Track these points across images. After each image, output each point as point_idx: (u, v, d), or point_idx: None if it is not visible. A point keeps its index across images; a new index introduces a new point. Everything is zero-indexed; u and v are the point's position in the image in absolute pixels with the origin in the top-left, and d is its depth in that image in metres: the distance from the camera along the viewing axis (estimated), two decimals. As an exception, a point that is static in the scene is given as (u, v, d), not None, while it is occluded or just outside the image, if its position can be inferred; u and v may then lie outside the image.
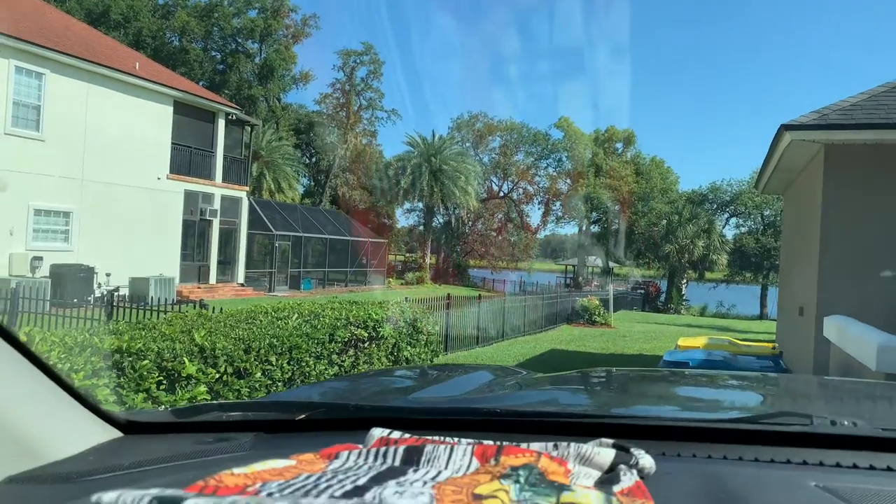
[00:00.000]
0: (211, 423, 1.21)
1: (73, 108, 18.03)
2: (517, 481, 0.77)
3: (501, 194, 49.80)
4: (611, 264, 46.39)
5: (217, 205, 23.12)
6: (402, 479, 0.78)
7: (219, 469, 0.83)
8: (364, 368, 7.00)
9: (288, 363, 5.75)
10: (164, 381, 4.51)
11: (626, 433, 1.08)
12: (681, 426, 1.11)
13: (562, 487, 0.77)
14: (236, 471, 0.78)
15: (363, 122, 47.77)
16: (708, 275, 46.15)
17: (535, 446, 0.92)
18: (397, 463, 0.86)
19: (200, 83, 37.72)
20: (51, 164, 17.44)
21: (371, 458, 0.88)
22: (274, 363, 5.55)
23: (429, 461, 0.86)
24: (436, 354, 9.25)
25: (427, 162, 39.30)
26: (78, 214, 18.31)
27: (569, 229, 52.02)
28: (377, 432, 0.97)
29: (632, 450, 0.92)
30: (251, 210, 25.41)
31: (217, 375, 4.94)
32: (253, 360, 5.32)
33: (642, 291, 41.55)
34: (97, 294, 14.98)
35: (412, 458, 0.87)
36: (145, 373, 4.39)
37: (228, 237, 24.10)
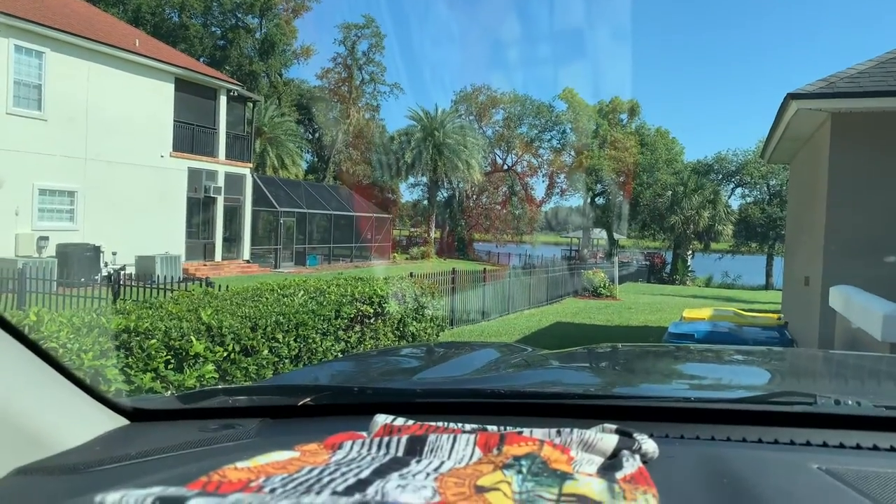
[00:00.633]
0: (217, 410, 1.22)
1: (74, 87, 17.95)
2: (520, 472, 0.77)
3: (505, 168, 49.58)
4: (616, 236, 46.32)
5: (221, 182, 23.11)
6: (404, 471, 0.78)
7: (224, 458, 0.84)
8: (370, 344, 7.04)
9: (295, 340, 5.78)
10: (172, 361, 4.55)
11: (629, 415, 1.08)
12: (683, 407, 1.11)
13: (564, 476, 0.77)
14: (239, 465, 0.78)
15: (365, 96, 47.47)
16: (713, 245, 46.06)
17: (538, 433, 0.92)
18: (400, 453, 0.87)
19: (201, 60, 37.45)
20: (54, 144, 17.43)
21: (374, 449, 0.89)
22: (281, 340, 5.59)
23: (432, 451, 0.87)
24: (441, 329, 9.30)
25: (430, 136, 39.08)
26: (82, 193, 18.33)
27: (573, 202, 51.82)
28: (380, 419, 0.98)
29: (634, 435, 0.93)
30: (255, 187, 25.38)
31: (225, 354, 4.97)
32: (260, 337, 5.35)
33: (647, 263, 41.54)
34: (104, 273, 15.06)
35: (415, 448, 0.88)
36: (153, 352, 4.42)
37: (233, 214, 24.12)
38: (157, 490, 0.65)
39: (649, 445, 0.91)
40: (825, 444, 0.98)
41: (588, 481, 0.76)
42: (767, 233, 42.42)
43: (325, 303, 6.40)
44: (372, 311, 7.14)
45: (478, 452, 0.86)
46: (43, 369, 1.05)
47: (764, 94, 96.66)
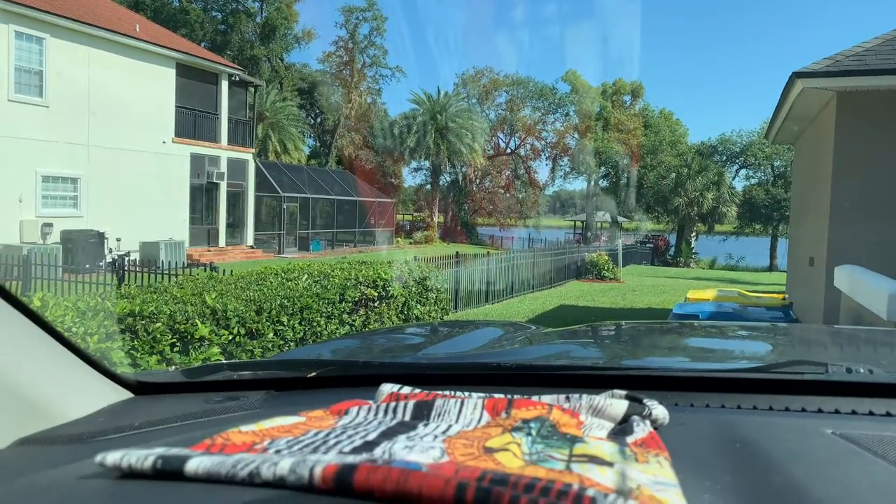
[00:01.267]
0: (221, 383, 1.21)
1: (76, 73, 17.88)
2: (529, 434, 0.76)
3: (508, 151, 49.38)
4: (619, 219, 46.20)
5: (224, 167, 23.08)
6: (412, 433, 0.78)
7: (229, 426, 0.83)
8: (375, 327, 7.06)
9: (299, 323, 5.80)
10: (178, 344, 4.57)
11: (638, 385, 1.08)
12: (693, 377, 1.10)
13: (574, 439, 0.77)
14: (244, 428, 0.78)
15: (367, 80, 47.21)
16: (717, 227, 45.93)
17: (547, 399, 0.91)
18: (407, 417, 0.86)
19: (202, 44, 37.27)
20: (56, 130, 17.41)
21: (381, 414, 0.88)
22: (285, 323, 5.60)
23: (439, 415, 0.86)
24: (446, 312, 9.31)
25: (433, 119, 38.92)
26: (86, 180, 18.33)
27: (577, 184, 51.71)
28: (387, 388, 0.97)
29: (644, 401, 0.92)
30: (258, 172, 25.34)
31: (230, 337, 4.99)
32: (265, 320, 5.37)
33: (651, 245, 41.46)
34: (108, 259, 15.09)
35: (422, 412, 0.87)
36: (158, 335, 4.44)
37: (236, 200, 24.11)
38: (159, 450, 0.65)
39: (660, 411, 0.90)
40: (837, 412, 0.97)
41: (598, 444, 0.75)
42: (772, 214, 42.27)
43: (329, 286, 6.41)
44: (376, 294, 7.15)
45: (486, 416, 0.86)
46: (47, 342, 1.05)
47: (768, 75, 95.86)
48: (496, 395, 0.93)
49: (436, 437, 0.76)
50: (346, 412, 0.89)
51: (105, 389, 1.12)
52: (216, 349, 4.76)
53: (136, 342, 4.35)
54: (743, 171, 46.84)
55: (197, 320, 4.77)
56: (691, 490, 0.65)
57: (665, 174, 44.05)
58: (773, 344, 1.76)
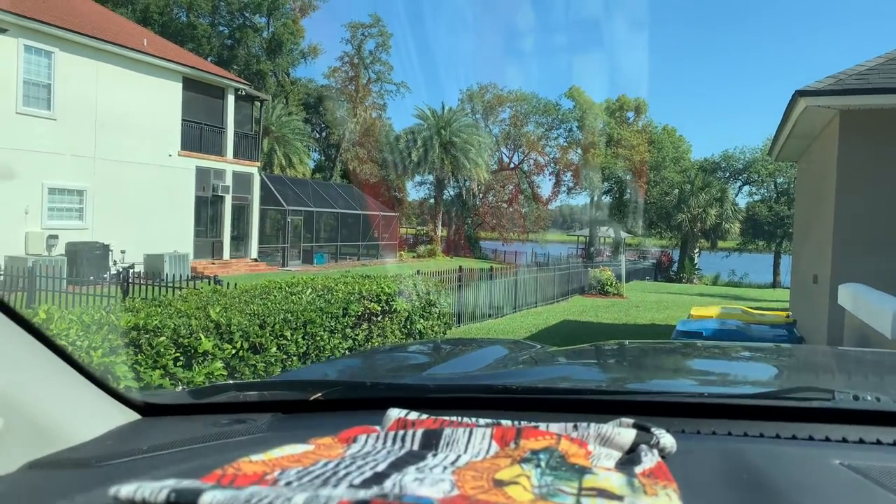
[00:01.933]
0: (228, 405, 1.22)
1: (83, 86, 18.04)
2: (538, 465, 0.76)
3: (512, 166, 49.51)
4: (623, 235, 46.19)
5: (229, 181, 23.18)
6: (421, 464, 0.78)
7: (237, 452, 0.84)
8: (378, 342, 7.06)
9: (303, 338, 5.80)
10: (181, 358, 4.58)
11: (645, 410, 1.08)
12: (700, 402, 1.10)
13: (583, 470, 0.77)
14: (254, 458, 0.78)
15: (372, 95, 47.47)
16: (720, 244, 45.87)
17: (555, 427, 0.92)
18: (416, 447, 0.86)
19: (209, 59, 37.56)
20: (63, 143, 17.53)
21: (389, 442, 0.88)
22: (289, 338, 5.61)
23: (448, 445, 0.86)
24: (448, 327, 9.30)
25: (437, 134, 39.08)
26: (91, 192, 18.43)
27: (580, 200, 51.73)
28: (394, 413, 0.97)
29: (652, 429, 0.92)
30: (263, 185, 25.45)
31: (233, 351, 5.00)
32: (268, 335, 5.38)
33: (654, 261, 41.41)
34: (113, 271, 15.13)
35: (431, 441, 0.87)
36: (162, 349, 4.45)
37: (241, 213, 24.19)
38: (171, 482, 0.65)
39: (667, 440, 0.90)
40: (844, 440, 0.97)
41: (607, 475, 0.76)
42: (775, 231, 42.23)
43: (332, 301, 6.42)
44: (379, 308, 7.15)
45: (494, 446, 0.86)
46: (51, 360, 1.04)
47: (772, 92, 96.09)
48: (504, 424, 0.93)
49: (445, 468, 0.76)
50: (355, 440, 0.90)
51: (112, 411, 1.12)
52: (219, 364, 4.76)
53: (139, 356, 4.36)
54: (746, 188, 46.91)
55: (201, 334, 4.78)
56: None
57: (668, 190, 44.09)
58: (778, 367, 1.75)
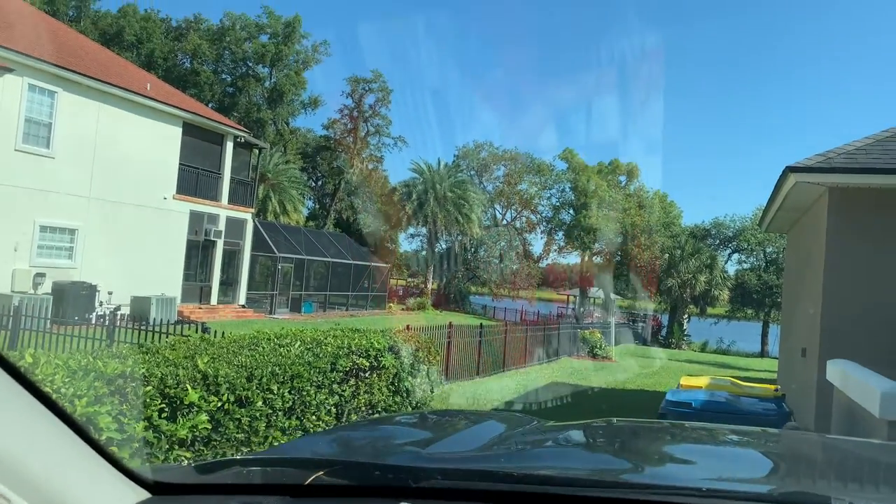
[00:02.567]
0: (234, 486, 1.21)
1: (84, 127, 18.21)
2: None
3: (504, 222, 49.96)
4: (612, 296, 46.30)
5: (222, 226, 23.21)
6: None
7: None
8: (365, 398, 6.97)
9: (289, 392, 5.72)
10: (166, 409, 4.49)
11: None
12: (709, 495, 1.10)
13: None
14: None
15: (370, 147, 48.13)
16: (709, 310, 46.01)
17: None
18: None
19: (210, 105, 38.12)
20: (59, 181, 17.57)
21: None
22: (275, 392, 5.53)
23: None
24: (436, 385, 9.21)
25: (432, 188, 39.52)
26: (84, 231, 18.37)
27: (571, 259, 52.01)
28: None
29: None
30: (255, 231, 25.48)
31: (219, 404, 4.91)
32: (255, 388, 5.30)
33: (643, 325, 41.43)
34: (98, 312, 14.96)
35: None
36: (148, 399, 4.37)
37: (231, 258, 24.14)
38: None
39: None
40: None
41: None
42: (763, 299, 42.47)
43: (321, 354, 6.36)
44: (368, 364, 7.09)
45: None
46: (58, 428, 1.00)
47: (763, 161, 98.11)
48: None
49: None
50: None
51: (123, 489, 1.09)
52: (204, 416, 4.67)
53: (124, 406, 4.27)
54: (735, 256, 47.40)
55: (188, 385, 4.71)
56: None
57: (658, 255, 44.47)
58: (774, 461, 1.75)
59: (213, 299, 23.09)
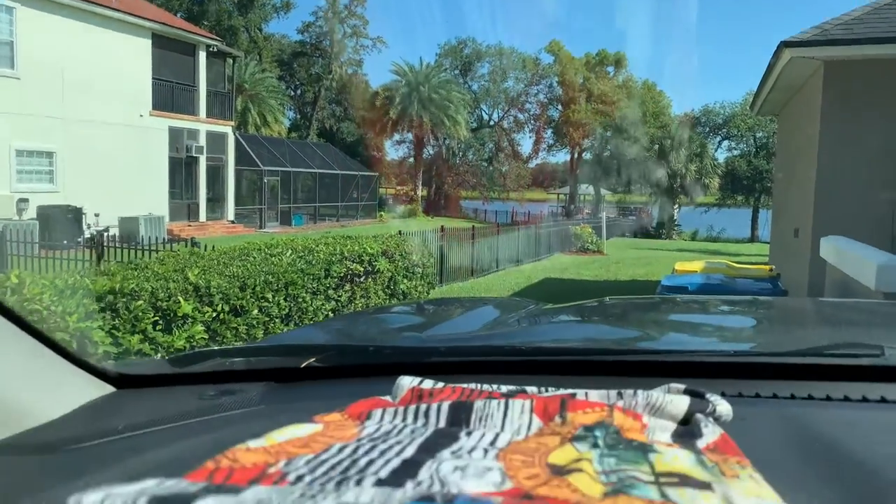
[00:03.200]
0: (212, 374, 1.09)
1: (48, 44, 17.34)
2: (595, 445, 0.65)
3: (491, 123, 49.09)
4: (603, 192, 46.27)
5: (203, 141, 22.69)
6: (456, 447, 0.65)
7: (228, 431, 0.73)
8: (361, 303, 6.99)
9: (284, 300, 5.70)
10: (161, 322, 4.46)
11: (677, 372, 0.97)
12: (741, 362, 1.00)
13: (645, 449, 0.65)
14: (252, 444, 0.65)
15: (348, 50, 46.49)
16: (699, 199, 46.20)
17: (595, 395, 0.80)
18: (442, 423, 0.74)
19: (178, 15, 36.38)
20: (29, 103, 16.93)
21: (410, 418, 0.76)
22: (270, 300, 5.51)
23: (480, 420, 0.73)
24: (432, 287, 9.26)
25: (415, 91, 38.50)
26: (62, 154, 17.92)
27: (561, 157, 51.59)
28: (406, 382, 0.85)
29: (707, 395, 0.80)
30: (238, 145, 24.97)
31: (213, 314, 4.89)
32: (249, 297, 5.27)
33: (634, 217, 41.66)
34: (87, 235, 14.81)
35: (460, 416, 0.74)
36: (140, 313, 4.33)
37: (216, 174, 23.76)
38: (151, 484, 0.51)
39: (724, 408, 0.79)
40: None
41: (674, 455, 0.64)
42: (753, 185, 42.57)
43: (314, 262, 6.31)
44: (362, 269, 7.06)
45: (537, 421, 0.73)
46: (12, 331, 0.92)
47: (752, 48, 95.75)
48: (529, 390, 0.81)
49: (486, 451, 0.64)
50: (368, 416, 0.77)
51: (83, 384, 1.00)
52: (200, 327, 4.66)
53: (117, 321, 4.23)
54: (725, 143, 47.11)
55: (180, 297, 4.66)
56: None
57: (648, 146, 44.09)
58: (811, 323, 1.67)
59: (202, 216, 22.91)
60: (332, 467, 0.58)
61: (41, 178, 17.65)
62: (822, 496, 0.59)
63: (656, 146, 43.60)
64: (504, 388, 0.83)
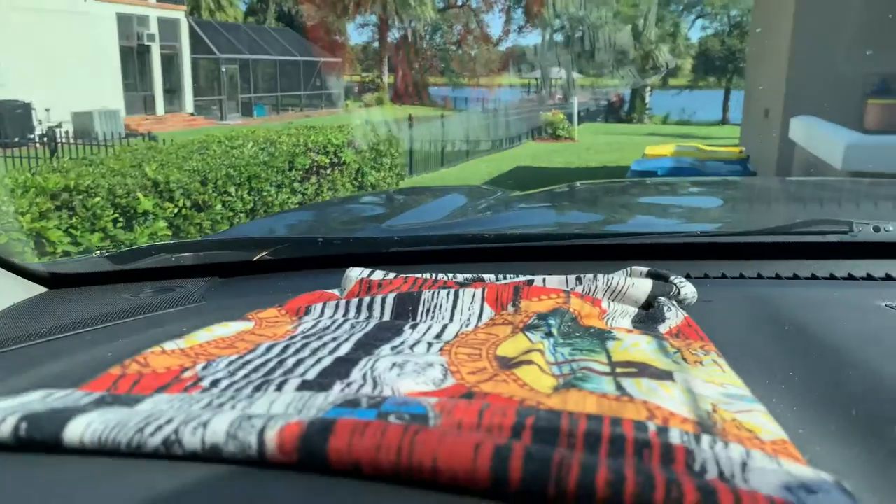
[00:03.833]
0: (155, 270, 1.01)
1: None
2: (549, 334, 0.59)
3: (460, 3, 46.99)
4: (574, 76, 45.32)
5: (154, 28, 21.42)
6: (397, 341, 0.60)
7: (161, 329, 0.67)
8: (328, 195, 6.86)
9: (248, 193, 5.57)
10: (121, 219, 4.33)
11: (632, 255, 0.93)
12: (703, 242, 0.96)
13: (603, 336, 0.60)
14: (168, 346, 0.58)
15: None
16: (672, 81, 45.63)
17: (553, 282, 0.75)
18: (387, 316, 0.68)
19: None
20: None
21: (352, 312, 0.69)
22: (234, 194, 5.37)
23: (428, 312, 0.67)
24: (401, 178, 9.12)
25: (378, -31, 36.44)
26: (3, 45, 16.79)
27: (532, 40, 50.02)
28: (354, 273, 0.79)
29: (671, 278, 0.76)
30: (192, 32, 23.66)
31: (175, 210, 4.75)
32: (211, 191, 5.12)
33: (606, 102, 41.14)
34: (39, 131, 14.18)
35: (406, 308, 0.68)
36: (98, 211, 4.18)
37: (171, 63, 22.64)
38: (33, 398, 0.43)
39: (688, 290, 0.75)
40: (870, 277, 0.86)
41: (634, 341, 0.59)
42: (726, 66, 42.07)
43: (277, 154, 6.12)
44: (328, 161, 6.88)
45: (488, 310, 0.68)
46: None
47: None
48: (486, 278, 0.76)
49: (430, 345, 0.59)
50: (307, 311, 0.70)
51: (9, 284, 0.91)
52: (162, 223, 4.53)
53: (74, 219, 4.09)
54: (699, 22, 46.00)
55: (139, 193, 4.50)
56: (755, 394, 0.49)
57: (620, 27, 42.84)
58: (767, 202, 1.64)
59: (160, 109, 22.04)
60: (255, 369, 0.52)
61: (-17, 71, 16.63)
62: (785, 378, 0.56)
63: (629, 26, 42.42)
64: (461, 277, 0.77)
